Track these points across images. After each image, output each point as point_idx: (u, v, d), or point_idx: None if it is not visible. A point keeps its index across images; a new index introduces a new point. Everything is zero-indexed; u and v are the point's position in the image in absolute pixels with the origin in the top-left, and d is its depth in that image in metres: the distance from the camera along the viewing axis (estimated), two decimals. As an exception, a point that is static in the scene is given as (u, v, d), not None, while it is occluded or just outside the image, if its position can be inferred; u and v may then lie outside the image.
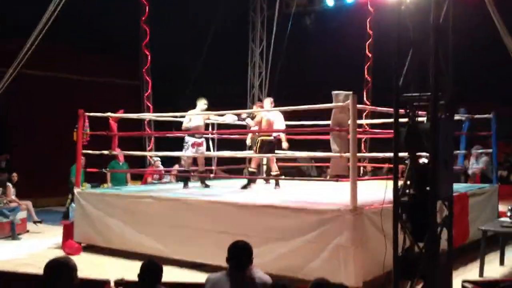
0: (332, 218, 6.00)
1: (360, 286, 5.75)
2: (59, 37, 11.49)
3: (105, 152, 9.23)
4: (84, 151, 8.87)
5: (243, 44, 15.20)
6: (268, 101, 9.54)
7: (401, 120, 4.58)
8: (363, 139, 13.54)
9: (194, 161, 9.72)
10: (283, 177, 9.84)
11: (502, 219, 7.62)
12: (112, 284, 4.50)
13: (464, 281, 4.67)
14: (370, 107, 10.54)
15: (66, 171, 10.51)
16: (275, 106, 9.27)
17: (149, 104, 13.12)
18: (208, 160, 9.66)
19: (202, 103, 9.01)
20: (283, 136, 9.28)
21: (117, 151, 9.98)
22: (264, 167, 10.88)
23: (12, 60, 9.55)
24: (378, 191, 5.43)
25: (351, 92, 6.27)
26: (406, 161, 4.52)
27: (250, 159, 9.99)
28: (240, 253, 3.99)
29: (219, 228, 6.75)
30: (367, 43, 14.37)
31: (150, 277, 3.98)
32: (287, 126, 9.44)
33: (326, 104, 6.89)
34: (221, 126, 10.07)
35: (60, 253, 7.89)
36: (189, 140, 9.08)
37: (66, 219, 9.80)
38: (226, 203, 7.09)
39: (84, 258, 7.76)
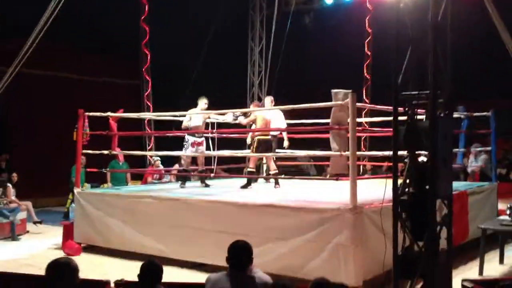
0: (332, 217, 6.00)
1: (360, 285, 5.74)
2: (59, 37, 11.50)
3: (105, 152, 9.22)
4: (84, 151, 8.88)
5: (243, 43, 15.21)
6: (268, 100, 9.55)
7: (400, 118, 4.57)
8: (362, 138, 13.52)
9: (193, 160, 9.71)
10: (282, 176, 9.83)
11: (502, 217, 7.60)
12: (112, 284, 4.51)
13: (463, 280, 4.68)
14: (369, 105, 10.53)
15: (66, 171, 10.50)
16: (275, 105, 9.26)
17: (149, 104, 13.11)
18: (208, 160, 9.64)
19: (203, 103, 9.01)
20: (284, 135, 9.27)
21: (117, 151, 9.97)
22: (265, 166, 10.87)
23: (12, 59, 9.54)
24: (377, 190, 5.43)
25: (350, 91, 6.26)
26: (406, 160, 4.52)
27: (249, 159, 9.98)
28: (240, 253, 3.99)
29: (219, 228, 6.74)
30: (366, 41, 14.34)
31: (150, 277, 3.97)
32: (286, 124, 9.43)
33: (325, 102, 6.88)
34: (221, 125, 10.06)
35: (60, 253, 7.86)
36: (189, 139, 9.08)
37: (67, 219, 9.80)
38: (226, 203, 7.08)
39: (84, 258, 7.75)
